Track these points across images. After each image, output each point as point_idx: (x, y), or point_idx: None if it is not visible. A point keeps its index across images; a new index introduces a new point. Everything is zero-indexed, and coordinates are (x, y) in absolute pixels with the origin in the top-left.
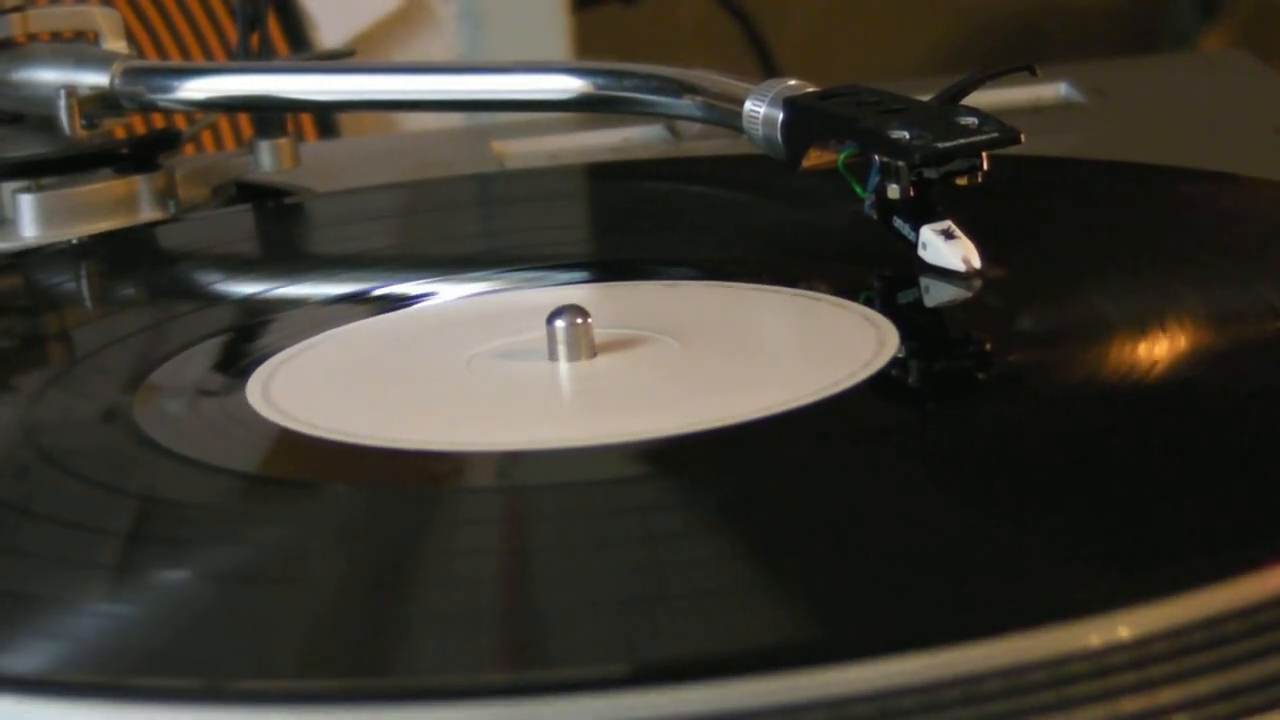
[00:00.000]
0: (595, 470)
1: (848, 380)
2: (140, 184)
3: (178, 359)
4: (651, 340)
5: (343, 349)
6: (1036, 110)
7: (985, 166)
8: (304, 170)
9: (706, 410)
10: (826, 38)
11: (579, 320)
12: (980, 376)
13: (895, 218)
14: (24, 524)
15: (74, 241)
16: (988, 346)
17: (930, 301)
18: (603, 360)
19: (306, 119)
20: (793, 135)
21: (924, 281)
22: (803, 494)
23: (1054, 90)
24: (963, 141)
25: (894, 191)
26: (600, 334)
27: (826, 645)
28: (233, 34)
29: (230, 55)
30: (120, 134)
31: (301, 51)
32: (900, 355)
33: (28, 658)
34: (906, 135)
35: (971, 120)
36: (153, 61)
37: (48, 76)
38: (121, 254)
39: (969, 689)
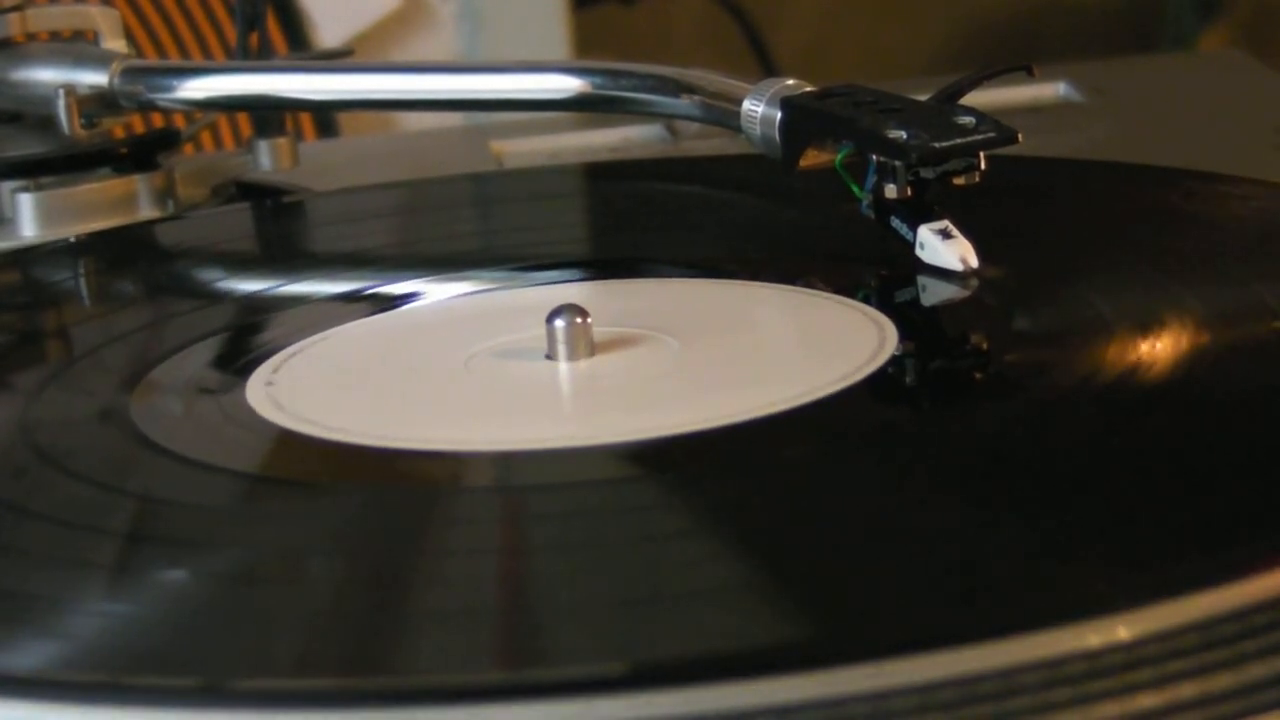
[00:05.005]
0: (594, 470)
1: (847, 379)
2: (139, 183)
3: (176, 358)
4: (651, 339)
5: (341, 348)
6: (1035, 110)
7: (983, 166)
8: (303, 169)
9: (706, 409)
10: (825, 37)
11: (578, 319)
12: (978, 376)
13: (893, 217)
14: (22, 523)
15: (72, 239)
16: (986, 346)
17: (928, 301)
18: (602, 359)
19: (305, 118)
20: (790, 135)
21: (921, 281)
22: (802, 493)
23: (1053, 90)
24: (960, 141)
25: (891, 191)
26: (599, 333)
27: (825, 645)
28: (232, 34)
29: (229, 55)
30: (119, 133)
31: (300, 51)
32: (899, 354)
33: (26, 657)
34: (904, 135)
35: (969, 120)
36: (152, 61)
37: (47, 76)
38: (120, 252)
39: (968, 689)
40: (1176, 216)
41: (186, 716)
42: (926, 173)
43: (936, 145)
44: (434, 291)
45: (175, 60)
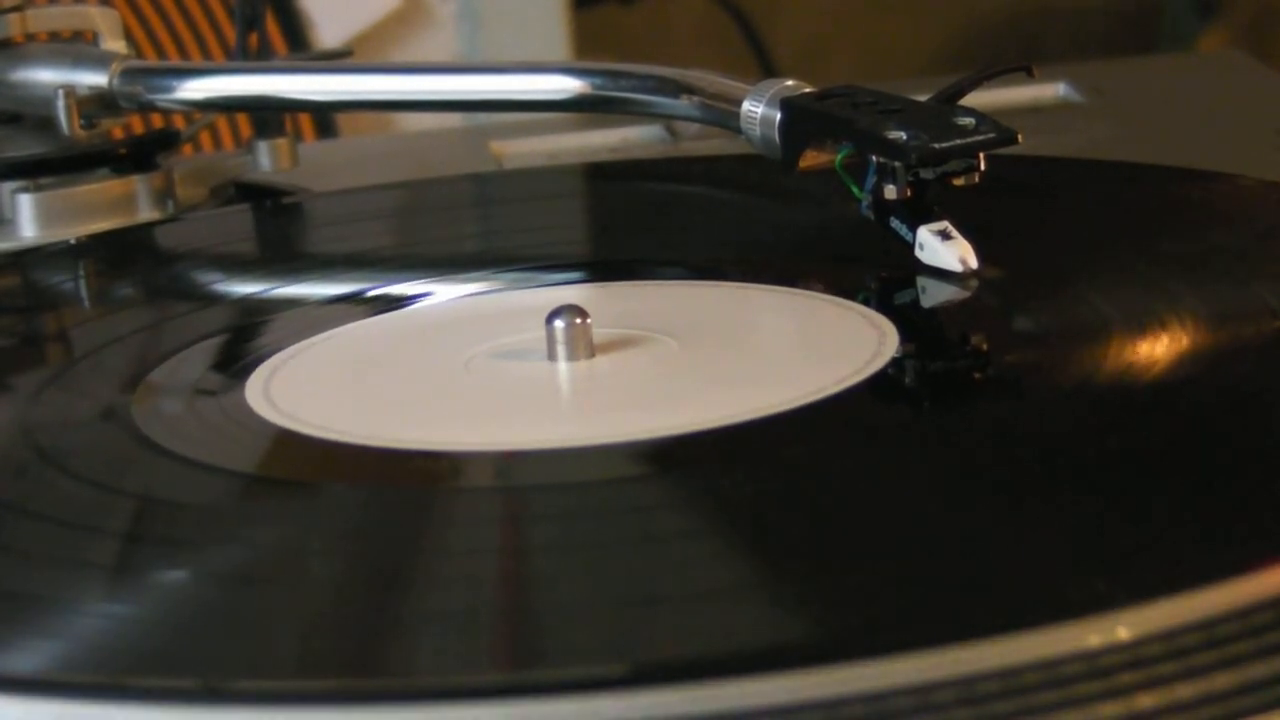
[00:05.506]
0: (594, 470)
1: (847, 380)
2: (138, 184)
3: (176, 359)
4: (650, 340)
5: (341, 349)
6: (1035, 110)
7: (982, 167)
8: (302, 170)
9: (706, 410)
10: (824, 38)
11: (578, 320)
12: (978, 376)
13: (892, 218)
14: (22, 524)
15: (72, 241)
16: (985, 347)
17: (928, 302)
18: (602, 360)
19: (305, 119)
20: (790, 136)
21: (921, 282)
22: (802, 494)
23: (1053, 90)
24: (959, 142)
25: (891, 192)
26: (599, 334)
27: (825, 645)
28: (231, 34)
29: (229, 55)
30: (118, 134)
31: (300, 51)
32: (899, 355)
33: (26, 658)
34: (903, 136)
35: (969, 121)
36: (151, 61)
37: (46, 76)
38: (120, 254)
39: (968, 689)
40: (1176, 216)
41: (186, 717)
42: (926, 173)
43: (936, 146)
44: (434, 292)
45: (174, 61)
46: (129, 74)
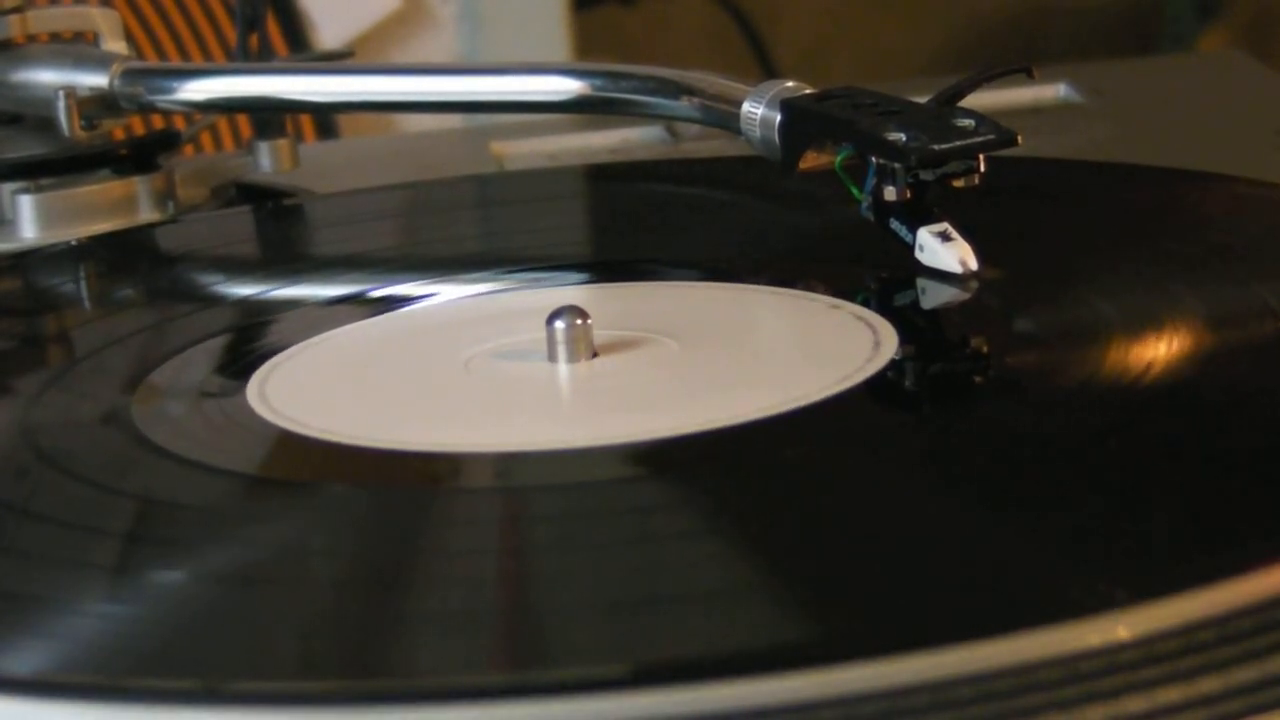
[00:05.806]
0: (594, 471)
1: (846, 381)
2: (139, 185)
3: (176, 360)
4: (651, 341)
5: (342, 350)
6: (1035, 111)
7: (982, 169)
8: (303, 171)
9: (706, 411)
10: (825, 38)
11: (578, 321)
12: (978, 378)
13: (892, 219)
14: (23, 525)
15: (73, 242)
16: (985, 348)
17: (927, 303)
18: (602, 361)
19: (306, 120)
20: (790, 137)
21: (921, 283)
22: (802, 494)
23: (1053, 91)
24: (959, 144)
25: (891, 193)
26: (600, 335)
27: (825, 645)
28: (232, 35)
29: (229, 56)
30: (119, 135)
31: (301, 52)
32: (898, 357)
33: (26, 658)
34: (903, 137)
35: (968, 122)
36: (152, 62)
37: (47, 77)
38: (120, 255)
39: (967, 689)
40: (1176, 216)
41: (186, 717)
42: (926, 175)
43: (935, 147)
44: (434, 293)
45: (175, 62)
46: (129, 75)
